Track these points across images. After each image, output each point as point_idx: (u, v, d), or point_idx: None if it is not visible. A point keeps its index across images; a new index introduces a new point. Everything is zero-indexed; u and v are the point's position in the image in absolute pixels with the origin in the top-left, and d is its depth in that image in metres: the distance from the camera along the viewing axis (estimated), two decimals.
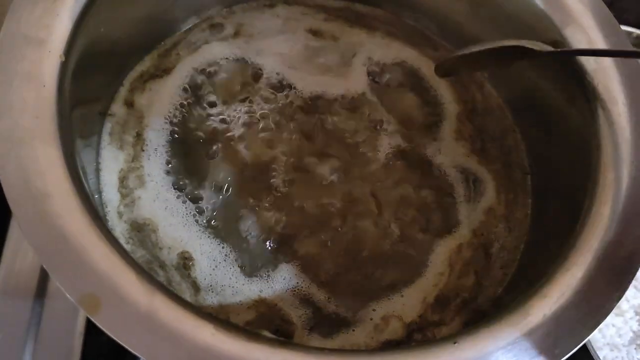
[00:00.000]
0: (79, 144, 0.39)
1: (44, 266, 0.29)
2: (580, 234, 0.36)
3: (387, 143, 0.48)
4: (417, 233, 0.45)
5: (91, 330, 0.45)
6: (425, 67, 0.52)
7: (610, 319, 0.54)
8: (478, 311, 0.42)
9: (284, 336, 0.39)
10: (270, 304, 0.40)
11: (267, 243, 0.43)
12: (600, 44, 0.42)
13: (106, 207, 0.42)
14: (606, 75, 0.41)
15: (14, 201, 0.30)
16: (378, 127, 0.48)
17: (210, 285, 0.40)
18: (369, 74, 0.51)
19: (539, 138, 0.48)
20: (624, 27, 0.56)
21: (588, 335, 0.32)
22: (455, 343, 0.31)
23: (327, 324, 0.40)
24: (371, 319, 0.41)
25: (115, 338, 0.28)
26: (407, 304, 0.42)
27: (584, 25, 0.42)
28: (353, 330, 0.40)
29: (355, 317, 0.41)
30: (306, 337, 0.39)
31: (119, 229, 0.41)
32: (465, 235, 0.45)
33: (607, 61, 0.41)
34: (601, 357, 0.48)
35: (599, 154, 0.39)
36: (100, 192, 0.42)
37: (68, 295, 0.29)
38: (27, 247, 0.47)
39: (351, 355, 0.31)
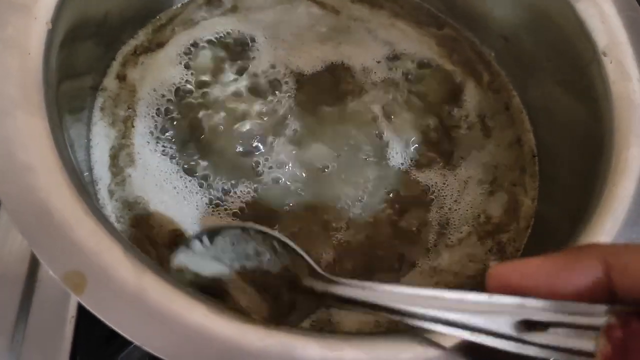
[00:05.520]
0: (69, 118, 0.38)
1: (27, 241, 0.27)
2: (593, 215, 0.35)
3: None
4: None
5: (83, 316, 0.44)
6: (427, 47, 0.51)
7: None
8: None
9: None
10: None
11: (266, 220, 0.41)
12: (614, 18, 0.40)
13: (97, 185, 0.40)
14: (620, 50, 0.39)
15: None
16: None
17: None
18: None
19: (547, 118, 0.47)
20: None
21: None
22: None
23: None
24: None
25: (101, 318, 0.27)
26: None
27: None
28: None
29: None
30: None
31: (110, 207, 0.40)
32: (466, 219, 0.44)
33: (622, 37, 0.39)
34: None
35: (612, 133, 0.38)
36: (90, 170, 0.41)
37: (52, 273, 0.27)
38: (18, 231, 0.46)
39: (352, 338, 0.29)
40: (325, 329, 0.38)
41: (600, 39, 0.40)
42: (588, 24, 0.40)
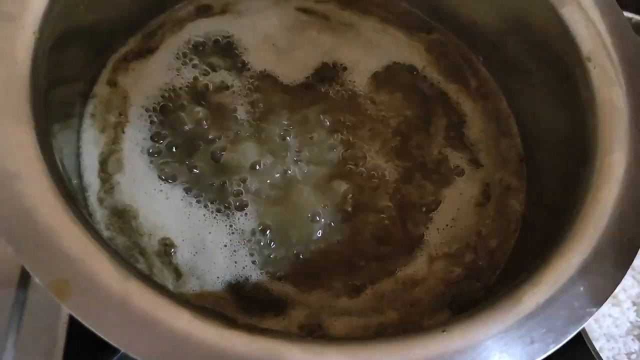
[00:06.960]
0: (58, 125, 0.38)
1: (12, 248, 0.28)
2: (576, 219, 0.35)
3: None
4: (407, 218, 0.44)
5: (75, 320, 0.44)
6: (417, 52, 0.51)
7: (607, 309, 0.52)
8: (469, 300, 0.41)
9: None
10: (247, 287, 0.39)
11: (253, 229, 0.41)
12: (598, 23, 0.40)
13: (86, 192, 0.40)
14: (604, 56, 0.40)
15: None
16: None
17: (191, 270, 0.39)
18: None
19: (534, 123, 0.47)
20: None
21: (582, 324, 0.31)
22: (444, 332, 0.30)
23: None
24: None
25: (86, 325, 0.27)
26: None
27: (582, 4, 0.41)
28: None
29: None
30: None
31: (99, 214, 0.40)
32: (457, 224, 0.44)
33: (606, 41, 0.40)
34: (597, 348, 0.47)
35: (596, 137, 0.38)
36: (80, 177, 0.41)
37: (37, 280, 0.27)
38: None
39: (338, 343, 0.30)
40: (314, 334, 0.38)
41: (585, 44, 0.40)
42: (572, 29, 0.41)
